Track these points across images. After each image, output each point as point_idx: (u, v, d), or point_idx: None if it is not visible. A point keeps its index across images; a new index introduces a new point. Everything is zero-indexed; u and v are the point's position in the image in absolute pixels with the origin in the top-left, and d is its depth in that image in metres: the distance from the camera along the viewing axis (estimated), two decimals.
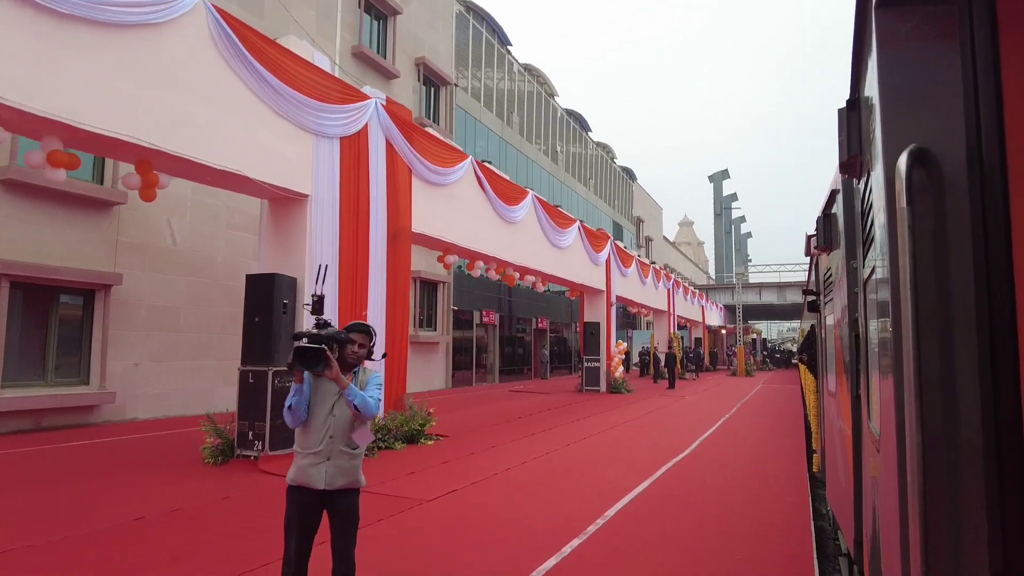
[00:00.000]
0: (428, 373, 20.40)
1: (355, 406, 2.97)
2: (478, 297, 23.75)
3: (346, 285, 8.67)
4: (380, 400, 3.12)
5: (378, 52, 18.63)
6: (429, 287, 20.67)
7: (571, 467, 7.69)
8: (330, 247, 8.47)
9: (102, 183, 11.00)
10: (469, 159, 12.12)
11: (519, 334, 28.54)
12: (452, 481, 6.73)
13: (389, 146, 9.73)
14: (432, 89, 21.66)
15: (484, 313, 24.13)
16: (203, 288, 12.75)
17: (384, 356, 3.40)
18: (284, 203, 8.40)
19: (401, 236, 9.86)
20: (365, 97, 9.26)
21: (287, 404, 3.03)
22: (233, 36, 7.01)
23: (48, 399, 10.07)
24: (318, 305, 3.25)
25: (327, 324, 3.22)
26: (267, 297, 7.78)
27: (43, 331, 10.47)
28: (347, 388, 2.95)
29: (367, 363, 3.28)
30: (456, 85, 22.62)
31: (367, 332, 3.24)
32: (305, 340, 3.01)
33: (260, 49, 7.41)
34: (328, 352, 2.89)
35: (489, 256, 13.02)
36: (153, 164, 6.54)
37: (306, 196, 8.25)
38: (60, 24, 5.44)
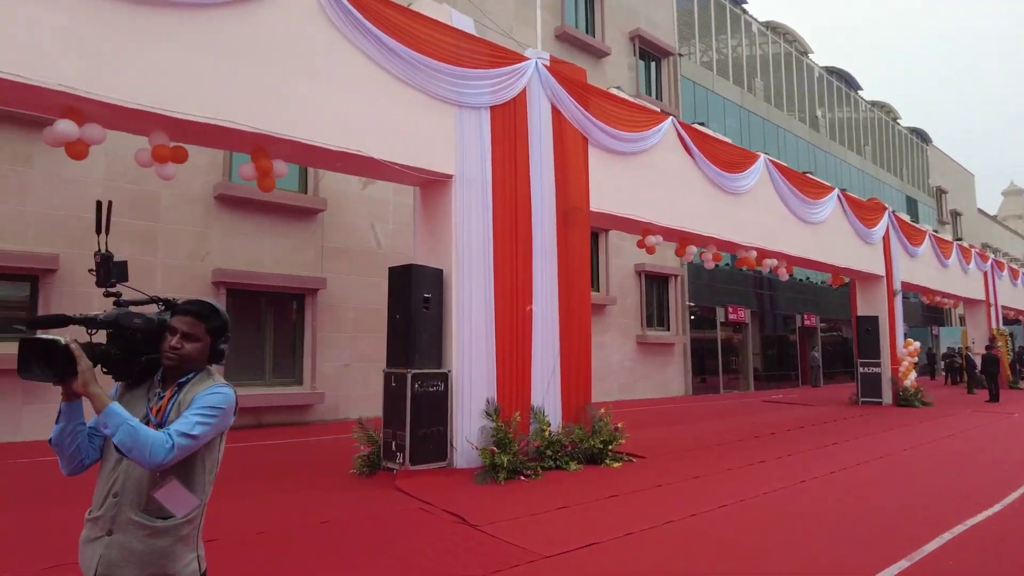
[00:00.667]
0: (663, 378, 18.32)
1: (116, 442, 1.59)
2: (720, 291, 20.84)
3: (504, 276, 7.42)
4: (186, 435, 1.64)
5: (585, 31, 17.33)
6: (657, 281, 18.58)
7: (785, 523, 5.29)
8: (481, 233, 7.32)
9: (306, 192, 11.54)
10: (669, 120, 10.05)
11: (783, 333, 24.59)
12: (603, 527, 4.95)
13: (556, 112, 8.28)
14: (651, 63, 19.62)
15: (730, 309, 21.08)
16: None
17: (222, 358, 1.90)
18: (430, 187, 7.49)
19: (575, 217, 8.31)
20: (520, 59, 7.96)
21: (49, 438, 1.77)
22: (345, 2, 6.27)
23: (265, 398, 10.69)
24: (103, 270, 1.96)
25: (163, 304, 1.91)
26: (406, 291, 6.91)
27: (260, 334, 11.24)
28: (103, 409, 1.58)
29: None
30: (680, 56, 20.22)
31: (201, 314, 1.83)
32: (95, 334, 1.73)
33: (380, 14, 6.57)
34: (70, 347, 1.54)
35: (704, 236, 10.70)
36: (268, 151, 6.07)
37: (449, 177, 7.23)
38: (133, 11, 5.14)
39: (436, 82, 7.04)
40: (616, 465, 7.46)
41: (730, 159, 11.26)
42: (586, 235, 8.54)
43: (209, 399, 1.75)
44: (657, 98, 19.13)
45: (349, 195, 11.85)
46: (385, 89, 6.69)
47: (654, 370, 17.96)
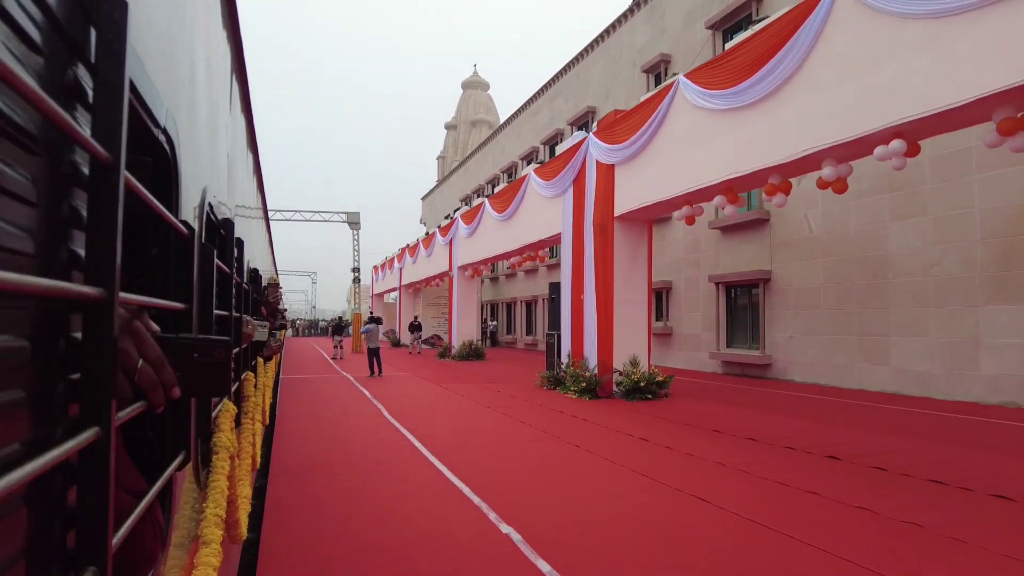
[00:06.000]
0: None
1: None
2: None
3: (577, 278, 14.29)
4: None
5: None
6: None
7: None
8: (568, 258, 14.27)
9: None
10: (675, 83, 14.29)
11: None
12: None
13: (597, 163, 14.47)
14: None
15: None
16: (838, 266, 13.84)
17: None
18: (557, 241, 14.89)
19: (599, 231, 14.37)
20: (582, 142, 14.50)
21: None
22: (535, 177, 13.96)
23: (745, 357, 15.94)
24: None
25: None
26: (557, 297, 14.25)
27: (745, 313, 16.57)
28: None
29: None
30: None
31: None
32: None
33: (544, 172, 14.12)
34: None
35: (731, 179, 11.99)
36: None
37: (559, 233, 14.39)
38: None
39: (552, 190, 14.24)
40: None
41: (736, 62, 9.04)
42: (609, 244, 12.10)
43: None
44: None
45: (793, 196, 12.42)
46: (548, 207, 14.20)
47: None
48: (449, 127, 54.96)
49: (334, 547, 4.10)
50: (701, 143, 9.78)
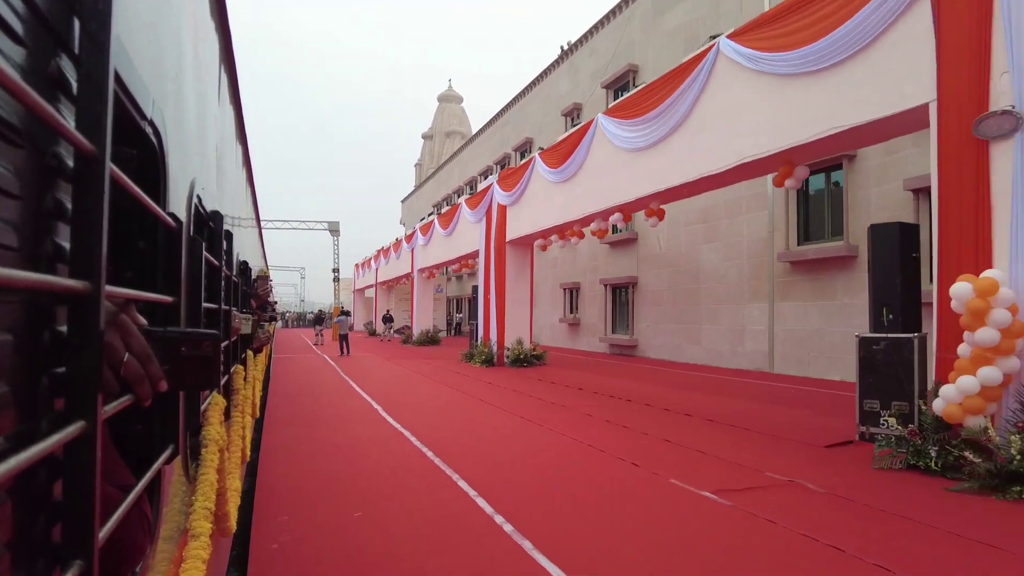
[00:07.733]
0: None
1: None
2: None
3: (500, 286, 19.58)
4: None
5: None
6: None
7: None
8: (482, 272, 19.54)
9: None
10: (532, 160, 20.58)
11: None
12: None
13: (498, 205, 19.89)
14: None
15: None
16: (675, 274, 19.20)
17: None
18: (481, 254, 20.10)
19: (497, 255, 19.82)
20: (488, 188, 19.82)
21: None
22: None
23: (622, 340, 21.31)
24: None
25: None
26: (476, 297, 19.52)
27: (624, 307, 22.15)
28: None
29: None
30: None
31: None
32: None
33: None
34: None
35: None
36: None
37: (477, 249, 19.67)
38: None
39: (474, 217, 19.47)
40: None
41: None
42: (503, 261, 18.26)
43: None
44: None
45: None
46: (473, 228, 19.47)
47: None
48: (426, 137, 59.98)
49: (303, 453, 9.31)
50: (545, 200, 15.16)
